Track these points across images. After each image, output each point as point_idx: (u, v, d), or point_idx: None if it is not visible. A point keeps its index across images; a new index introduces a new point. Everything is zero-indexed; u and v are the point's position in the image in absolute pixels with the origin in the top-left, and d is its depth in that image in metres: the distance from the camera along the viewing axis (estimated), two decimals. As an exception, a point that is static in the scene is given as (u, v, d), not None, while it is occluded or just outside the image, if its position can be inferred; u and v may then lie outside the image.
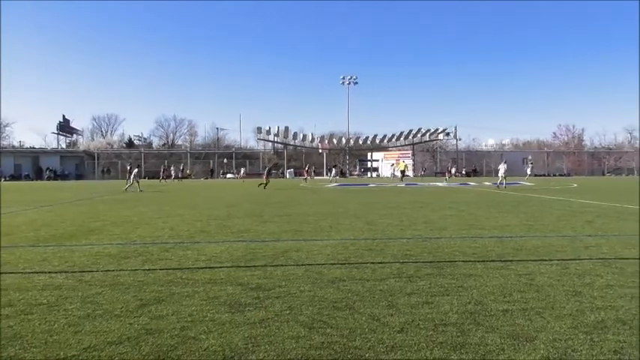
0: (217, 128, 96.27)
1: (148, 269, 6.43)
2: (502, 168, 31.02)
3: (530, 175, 49.54)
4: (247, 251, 7.75)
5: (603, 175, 73.70)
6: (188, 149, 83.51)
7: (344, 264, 6.73)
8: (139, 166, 39.69)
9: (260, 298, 4.98)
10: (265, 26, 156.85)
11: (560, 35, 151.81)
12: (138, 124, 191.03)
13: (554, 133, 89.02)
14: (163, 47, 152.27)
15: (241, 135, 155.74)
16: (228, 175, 71.67)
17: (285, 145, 75.72)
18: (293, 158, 77.80)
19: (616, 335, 3.89)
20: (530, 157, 74.85)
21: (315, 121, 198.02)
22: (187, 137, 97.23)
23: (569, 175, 71.97)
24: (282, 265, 6.64)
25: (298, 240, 8.96)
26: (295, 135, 76.28)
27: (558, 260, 6.92)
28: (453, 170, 59.15)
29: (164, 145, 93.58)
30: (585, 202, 18.42)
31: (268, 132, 73.48)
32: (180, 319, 4.35)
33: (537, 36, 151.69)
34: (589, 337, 3.86)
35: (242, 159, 79.02)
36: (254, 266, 6.58)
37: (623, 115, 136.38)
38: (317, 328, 4.08)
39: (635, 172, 73.70)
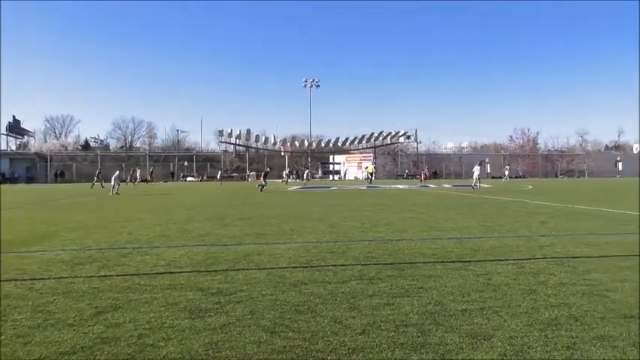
0: (178, 130, 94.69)
1: (104, 276, 6.25)
2: (476, 170, 33.75)
3: (506, 178, 50.87)
4: (208, 255, 7.64)
5: (556, 177, 76.11)
6: (147, 152, 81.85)
7: (306, 267, 6.72)
8: (120, 170, 38.29)
9: (221, 303, 4.92)
10: (227, 27, 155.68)
11: (517, 40, 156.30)
12: (94, 125, 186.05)
13: (511, 137, 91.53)
14: (121, 47, 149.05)
15: (202, 137, 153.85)
16: (189, 179, 70.61)
17: (247, 147, 75.22)
18: (255, 161, 77.30)
19: (569, 331, 4.01)
20: (487, 160, 76.71)
21: (278, 123, 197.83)
22: (146, 139, 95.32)
23: (524, 177, 74.07)
24: (243, 269, 6.58)
25: (260, 243, 8.91)
26: (257, 138, 75.90)
27: (514, 260, 7.10)
28: (423, 173, 60.17)
29: (122, 147, 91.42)
30: (539, 203, 18.99)
31: (230, 134, 72.84)
32: (138, 326, 4.25)
33: (496, 40, 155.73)
34: (543, 333, 3.97)
35: (203, 162, 78.02)
36: (215, 271, 6.50)
37: (575, 119, 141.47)
38: (279, 332, 4.06)
39: (586, 174, 76.44)
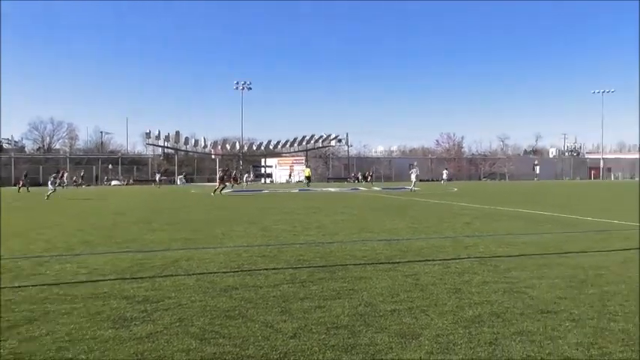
0: (101, 132, 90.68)
1: (18, 286, 5.86)
2: (414, 173, 35.80)
3: (445, 181, 52.54)
4: (134, 262, 7.37)
5: (480, 179, 79.58)
6: (68, 154, 77.89)
7: (237, 271, 6.63)
8: (59, 171, 34.63)
9: (148, 311, 4.75)
10: (154, 25, 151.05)
11: (441, 45, 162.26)
12: (8, 126, 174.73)
13: (437, 141, 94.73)
14: (37, 44, 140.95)
15: (128, 139, 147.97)
16: (114, 182, 67.85)
17: (176, 150, 73.38)
18: (184, 164, 75.53)
19: (491, 328, 4.19)
20: (415, 163, 79.07)
21: (208, 126, 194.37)
22: (67, 141, 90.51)
23: (450, 180, 76.98)
24: (172, 276, 6.39)
25: (189, 248, 8.70)
26: (187, 140, 74.21)
27: (441, 260, 7.35)
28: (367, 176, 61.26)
29: (39, 149, 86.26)
30: (464, 205, 19.80)
31: (158, 137, 70.76)
32: (56, 339, 4.01)
33: (422, 45, 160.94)
34: (467, 330, 4.12)
35: (129, 165, 75.28)
36: (141, 278, 6.27)
37: (498, 124, 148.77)
38: (209, 339, 3.97)
39: (507, 177, 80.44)
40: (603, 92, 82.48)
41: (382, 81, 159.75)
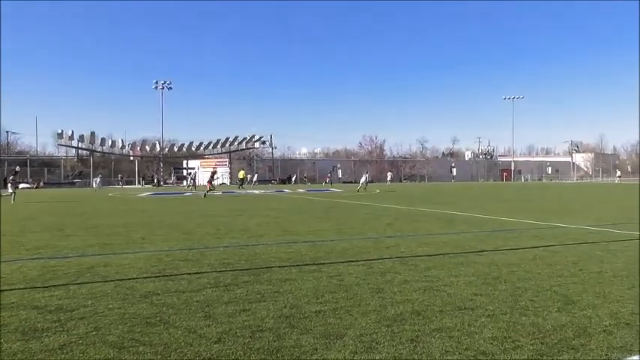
0: (7, 132, 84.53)
1: None
2: (364, 177, 41.59)
3: (389, 183, 53.57)
4: (45, 269, 6.93)
5: (400, 181, 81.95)
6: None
7: (158, 276, 6.41)
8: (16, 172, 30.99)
9: (61, 321, 4.47)
10: (67, 23, 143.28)
11: (364, 50, 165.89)
12: None
13: (360, 143, 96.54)
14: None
15: (38, 140, 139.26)
16: (22, 185, 63.48)
17: (92, 151, 69.90)
18: (101, 166, 72.06)
19: (412, 325, 4.32)
20: (338, 165, 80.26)
21: (127, 127, 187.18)
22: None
23: (372, 181, 78.69)
24: (87, 283, 6.07)
25: (107, 254, 8.31)
26: (103, 141, 70.85)
27: (364, 261, 7.49)
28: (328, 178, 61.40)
29: None
30: (386, 206, 20.32)
31: (71, 137, 67.07)
32: (-43, 354, 3.69)
33: (346, 48, 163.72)
34: (390, 329, 4.22)
35: (39, 167, 70.81)
36: (54, 286, 5.90)
37: (417, 128, 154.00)
38: (128, 348, 3.80)
39: (426, 178, 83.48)
40: (513, 98, 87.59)
41: (307, 83, 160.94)
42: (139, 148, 72.51)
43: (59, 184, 64.66)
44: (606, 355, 3.60)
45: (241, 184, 48.41)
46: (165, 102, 77.59)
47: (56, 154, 78.25)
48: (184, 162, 75.67)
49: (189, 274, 6.59)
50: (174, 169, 77.30)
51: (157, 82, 73.19)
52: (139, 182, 66.66)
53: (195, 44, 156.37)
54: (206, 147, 74.05)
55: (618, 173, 70.52)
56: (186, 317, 4.60)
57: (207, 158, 75.26)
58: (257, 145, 75.22)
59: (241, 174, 51.13)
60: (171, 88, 74.34)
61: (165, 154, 73.56)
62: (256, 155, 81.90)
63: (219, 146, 73.61)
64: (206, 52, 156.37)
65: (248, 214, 16.70)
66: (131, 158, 72.12)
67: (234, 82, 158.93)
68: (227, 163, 72.69)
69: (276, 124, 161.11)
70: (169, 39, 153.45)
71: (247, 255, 8.10)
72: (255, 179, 57.03)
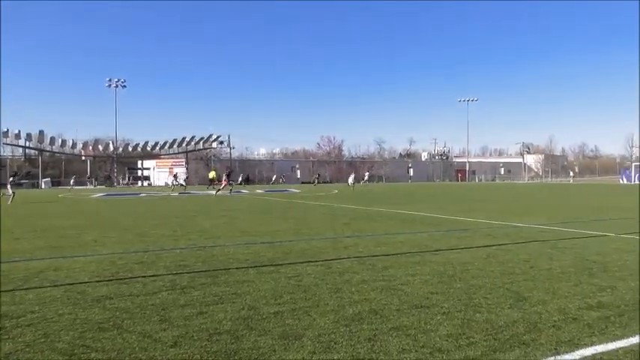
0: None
1: None
2: (351, 177, 45.97)
3: (365, 182, 53.86)
4: (-9, 274, 6.63)
5: (359, 182, 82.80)
6: None
7: (111, 280, 6.24)
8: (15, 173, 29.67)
9: (6, 329, 4.29)
10: (13, 18, 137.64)
11: (323, 51, 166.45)
12: None
13: (319, 144, 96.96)
14: None
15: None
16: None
17: (41, 151, 67.46)
18: (50, 166, 69.63)
19: (370, 324, 4.35)
20: (297, 166, 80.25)
21: (78, 126, 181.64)
22: None
23: (331, 182, 79.03)
24: (36, 288, 5.84)
25: (56, 257, 8.03)
26: (52, 140, 68.51)
27: (322, 261, 7.51)
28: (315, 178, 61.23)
29: None
30: (344, 206, 20.45)
31: (18, 136, 64.55)
32: None
33: (304, 50, 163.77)
34: (348, 328, 4.25)
35: (-18, 166, 67.80)
36: (-1, 291, 5.66)
37: (375, 128, 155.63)
38: (79, 354, 3.68)
39: (384, 179, 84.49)
40: (468, 101, 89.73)
41: (265, 84, 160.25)
42: (91, 147, 70.54)
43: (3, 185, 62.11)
44: (555, 349, 3.73)
45: (212, 184, 47.81)
46: (119, 101, 75.56)
47: (1, 154, 75.18)
48: (139, 162, 74.08)
49: (144, 277, 6.44)
50: (128, 169, 75.55)
51: (110, 80, 71.28)
52: (91, 183, 64.76)
53: (151, 42, 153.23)
54: (162, 147, 72.72)
55: (571, 174, 73.20)
56: (141, 321, 4.49)
57: (164, 158, 73.88)
58: (215, 145, 74.38)
59: (212, 174, 50.37)
60: (125, 86, 72.70)
61: (120, 153, 71.73)
62: (214, 155, 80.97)
63: (175, 146, 72.41)
64: (161, 51, 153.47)
65: (205, 215, 16.48)
66: (83, 158, 70.02)
67: (192, 81, 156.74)
68: (184, 163, 71.52)
69: (235, 124, 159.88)
70: (124, 37, 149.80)
71: (204, 256, 7.99)
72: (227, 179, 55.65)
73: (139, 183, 70.89)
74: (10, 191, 25.58)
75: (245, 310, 4.84)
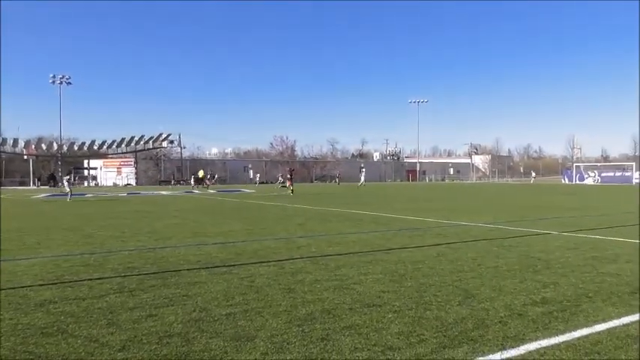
0: None
1: None
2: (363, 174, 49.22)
3: (280, 183, 53.49)
4: None
5: (311, 182, 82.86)
6: None
7: (55, 283, 6.01)
8: (70, 171, 31.17)
9: (-59, 336, 4.06)
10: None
11: (274, 51, 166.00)
12: None
13: (271, 144, 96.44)
14: None
15: None
16: None
17: (-21, 149, 64.23)
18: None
19: (323, 324, 4.37)
20: (250, 166, 79.64)
21: (20, 124, 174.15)
22: None
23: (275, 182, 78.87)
24: (-27, 292, 5.56)
25: (-4, 260, 7.66)
26: (-8, 138, 65.31)
27: (275, 261, 7.48)
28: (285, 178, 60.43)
29: None
30: (298, 206, 20.44)
31: (-47, 134, 61.21)
32: None
33: (256, 49, 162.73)
34: (301, 329, 4.24)
35: None
36: None
37: (327, 128, 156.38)
38: (20, 361, 3.52)
39: (337, 179, 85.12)
40: (418, 102, 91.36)
41: (217, 82, 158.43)
42: (33, 146, 67.60)
43: None
44: (502, 344, 3.85)
45: (200, 184, 48.98)
46: (64, 98, 72.74)
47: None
48: (85, 161, 71.62)
49: (90, 279, 6.24)
50: (74, 169, 72.89)
51: (54, 77, 68.50)
52: (34, 183, 62.13)
53: (98, 39, 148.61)
54: (109, 146, 70.44)
55: (533, 174, 75.56)
56: (87, 325, 4.34)
57: (111, 158, 71.72)
58: (165, 144, 72.70)
59: (201, 173, 51.76)
60: (70, 83, 69.94)
61: (64, 152, 69.14)
62: (164, 155, 79.22)
63: (123, 145, 70.33)
64: (108, 47, 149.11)
65: (155, 215, 16.12)
66: (25, 157, 67.06)
67: (141, 79, 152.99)
68: (133, 163, 69.64)
69: (186, 123, 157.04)
70: (70, 32, 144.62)
71: (154, 258, 7.81)
72: (211, 179, 54.38)
73: (86, 183, 68.52)
74: (68, 189, 27.45)
75: (196, 312, 4.76)
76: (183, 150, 79.25)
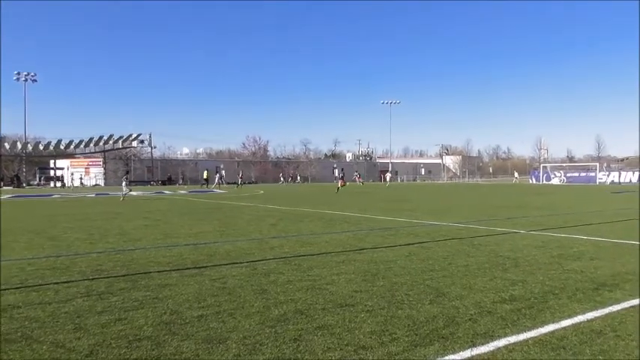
0: None
1: None
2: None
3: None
4: None
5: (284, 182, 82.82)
6: None
7: (19, 288, 5.84)
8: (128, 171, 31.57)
9: None
10: None
11: (246, 49, 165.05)
12: None
13: (244, 144, 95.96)
14: None
15: None
16: None
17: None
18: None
19: (295, 325, 4.36)
20: (222, 166, 78.96)
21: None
22: None
23: (256, 182, 78.52)
24: None
25: (-43, 264, 7.41)
26: (-47, 137, 63.18)
27: (247, 262, 7.43)
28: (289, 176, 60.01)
29: None
30: (270, 207, 20.37)
31: None
32: None
33: (228, 48, 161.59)
34: (273, 329, 4.22)
35: None
36: None
37: (300, 129, 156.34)
38: (-18, 369, 3.41)
39: (310, 179, 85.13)
40: (391, 103, 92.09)
41: (189, 82, 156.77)
42: (-4, 145, 65.65)
43: None
44: (471, 342, 3.90)
45: (207, 184, 49.95)
46: (29, 96, 70.85)
47: None
48: (52, 162, 69.91)
49: (56, 283, 6.09)
50: (39, 169, 71.11)
51: (18, 74, 66.63)
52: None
53: (64, 36, 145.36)
54: (77, 145, 68.91)
55: (516, 174, 76.80)
56: (53, 331, 4.23)
57: (79, 158, 70.23)
58: (135, 144, 71.53)
59: (206, 174, 52.91)
60: (35, 80, 68.16)
61: (29, 152, 67.36)
62: (134, 155, 77.94)
63: (92, 145, 68.90)
64: (76, 45, 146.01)
65: (124, 217, 15.84)
66: (-13, 157, 65.09)
67: (110, 78, 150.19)
68: (101, 163, 68.33)
69: (156, 123, 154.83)
70: (35, 29, 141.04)
71: (123, 260, 7.67)
72: (220, 179, 53.47)
73: (52, 184, 66.89)
74: (125, 188, 27.77)
75: (167, 314, 4.70)
76: (153, 150, 78.03)
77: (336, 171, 44.50)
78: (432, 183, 76.05)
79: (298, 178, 63.17)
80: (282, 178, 68.57)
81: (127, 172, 29.36)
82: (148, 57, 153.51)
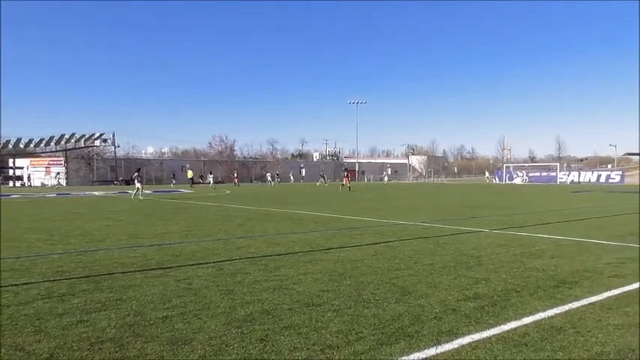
0: None
1: None
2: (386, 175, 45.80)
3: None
4: None
5: (251, 182, 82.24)
6: None
7: (-24, 290, 5.65)
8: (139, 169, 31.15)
9: None
10: None
11: (210, 48, 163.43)
12: None
13: (210, 143, 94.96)
14: None
15: None
16: None
17: None
18: None
19: (262, 325, 4.34)
20: (188, 165, 77.97)
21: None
22: None
23: (223, 182, 77.85)
24: None
25: None
26: None
27: (214, 263, 7.36)
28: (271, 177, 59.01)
29: None
30: (237, 207, 20.23)
31: None
32: None
33: (192, 47, 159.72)
34: (240, 330, 4.20)
35: None
36: None
37: (267, 128, 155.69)
38: None
39: (277, 179, 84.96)
40: (357, 103, 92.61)
41: (154, 81, 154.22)
42: (-49, 144, 63.21)
43: None
44: (436, 339, 3.96)
45: (192, 184, 49.45)
46: (-14, 93, 68.41)
47: None
48: (10, 161, 67.75)
49: (15, 285, 5.91)
50: (-2, 168, 68.82)
51: (-25, 70, 64.24)
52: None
53: (19, 31, 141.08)
54: (37, 144, 66.98)
55: (487, 174, 78.11)
56: (12, 334, 4.11)
57: (39, 157, 68.26)
58: (98, 143, 69.91)
59: (190, 173, 52.55)
60: (-6, 77, 65.83)
61: (-13, 151, 65.09)
62: (97, 154, 76.19)
63: (52, 144, 67.07)
64: (35, 40, 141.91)
65: (86, 217, 15.48)
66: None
67: (72, 75, 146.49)
68: (63, 162, 66.56)
69: (120, 121, 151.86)
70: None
71: (86, 261, 7.50)
72: (212, 180, 52.35)
73: (10, 183, 64.79)
74: (138, 185, 27.30)
75: (131, 316, 4.62)
76: (117, 149, 76.46)
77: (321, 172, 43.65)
78: (398, 182, 76.81)
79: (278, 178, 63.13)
80: (269, 178, 67.66)
81: (139, 170, 27.73)
82: (111, 55, 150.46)
